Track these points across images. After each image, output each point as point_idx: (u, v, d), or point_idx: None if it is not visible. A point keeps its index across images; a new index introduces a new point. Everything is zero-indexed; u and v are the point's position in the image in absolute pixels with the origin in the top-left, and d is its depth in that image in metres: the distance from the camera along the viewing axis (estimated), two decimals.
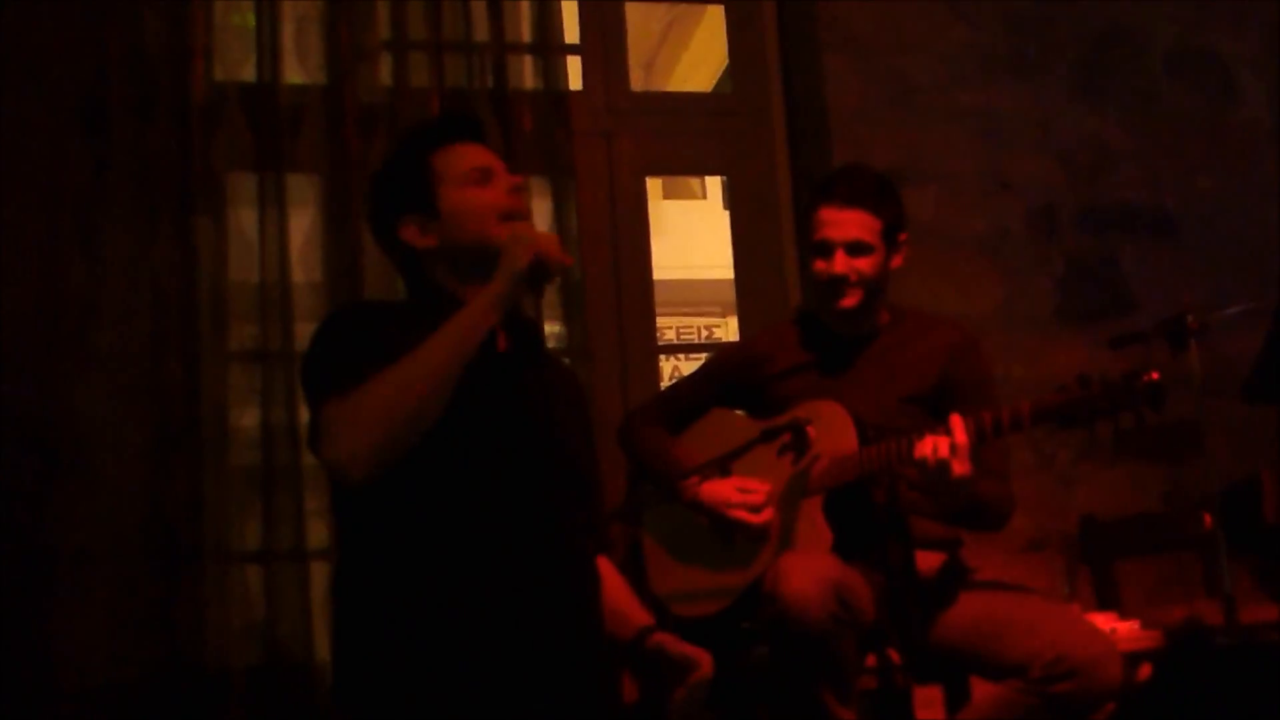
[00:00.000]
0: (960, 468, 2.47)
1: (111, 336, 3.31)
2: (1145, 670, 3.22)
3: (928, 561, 2.72)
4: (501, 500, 2.10)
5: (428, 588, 2.03)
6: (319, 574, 3.31)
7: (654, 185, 6.28)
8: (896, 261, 2.87)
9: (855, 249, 2.79)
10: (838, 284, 2.81)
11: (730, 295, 4.16)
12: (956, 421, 2.50)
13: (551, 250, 2.14)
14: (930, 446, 2.49)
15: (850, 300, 2.82)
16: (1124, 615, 3.54)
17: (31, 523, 3.19)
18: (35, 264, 3.29)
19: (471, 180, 2.23)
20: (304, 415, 3.31)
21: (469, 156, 2.26)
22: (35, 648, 3.15)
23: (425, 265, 2.26)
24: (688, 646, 2.26)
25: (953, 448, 2.47)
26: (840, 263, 2.79)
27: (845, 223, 2.79)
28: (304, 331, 3.36)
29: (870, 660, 2.65)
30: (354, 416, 2.00)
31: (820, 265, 2.82)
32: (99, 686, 3.17)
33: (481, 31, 3.64)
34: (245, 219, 3.46)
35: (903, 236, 2.86)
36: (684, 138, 4.08)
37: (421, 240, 2.23)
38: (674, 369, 8.60)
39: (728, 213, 4.26)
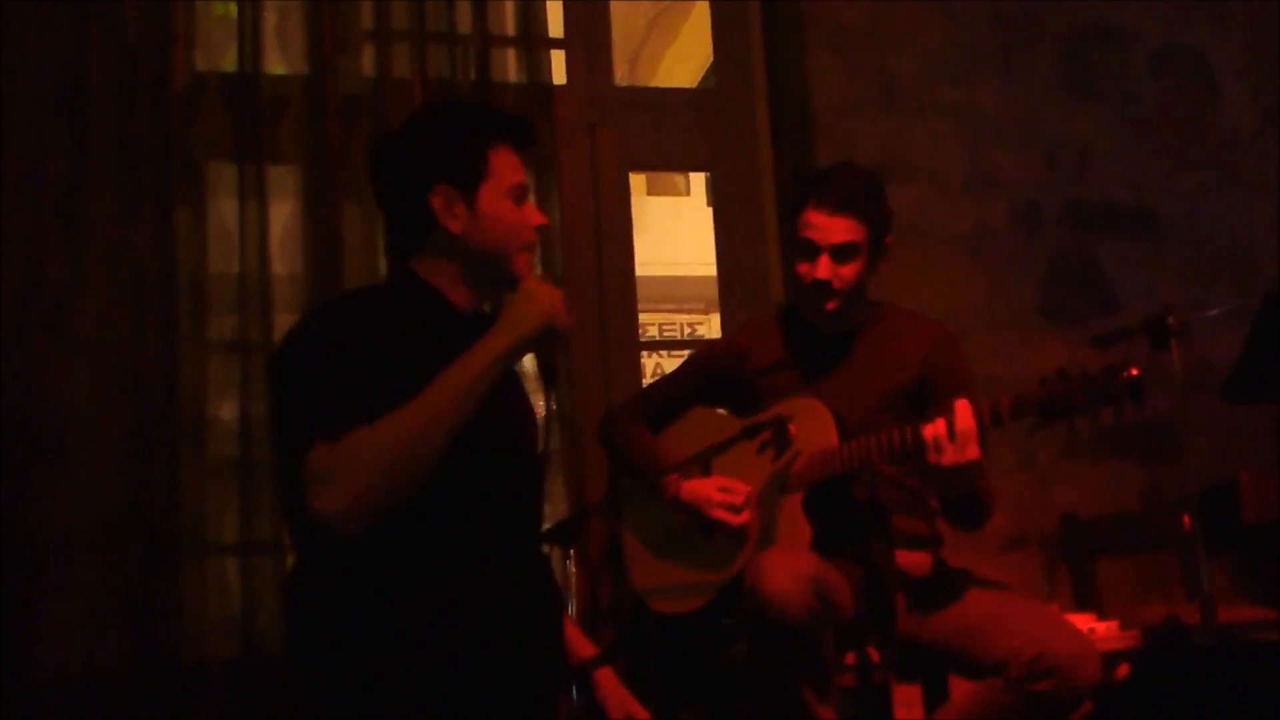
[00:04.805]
0: (973, 452, 2.45)
1: (91, 325, 3.29)
2: (1123, 670, 3.22)
3: (909, 559, 2.73)
4: (472, 508, 2.03)
5: (396, 592, 1.96)
6: None
7: (637, 182, 6.28)
8: (882, 264, 2.86)
9: (840, 254, 2.78)
10: (821, 288, 2.80)
11: (713, 292, 4.15)
12: (963, 405, 2.47)
13: (560, 318, 2.08)
14: (941, 429, 2.46)
15: (833, 304, 2.81)
16: (1103, 614, 3.54)
17: (10, 510, 3.17)
18: (15, 251, 3.27)
19: (513, 195, 2.17)
20: None
21: (518, 169, 2.20)
22: (13, 636, 3.13)
23: (429, 245, 2.15)
24: (629, 702, 2.23)
25: (964, 431, 2.45)
26: (824, 268, 2.78)
27: (832, 228, 2.77)
28: (283, 323, 3.34)
29: (849, 658, 2.65)
30: (350, 469, 1.90)
31: (804, 268, 2.81)
32: (76, 676, 3.16)
33: (465, 23, 3.63)
34: (225, 209, 3.44)
35: (888, 240, 2.85)
36: (668, 133, 4.07)
37: (447, 218, 2.13)
38: (656, 365, 8.59)
39: (711, 209, 4.25)
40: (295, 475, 1.94)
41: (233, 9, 3.51)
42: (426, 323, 2.11)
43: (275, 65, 3.54)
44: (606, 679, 2.25)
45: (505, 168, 2.17)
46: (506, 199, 2.16)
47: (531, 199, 2.22)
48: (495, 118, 2.25)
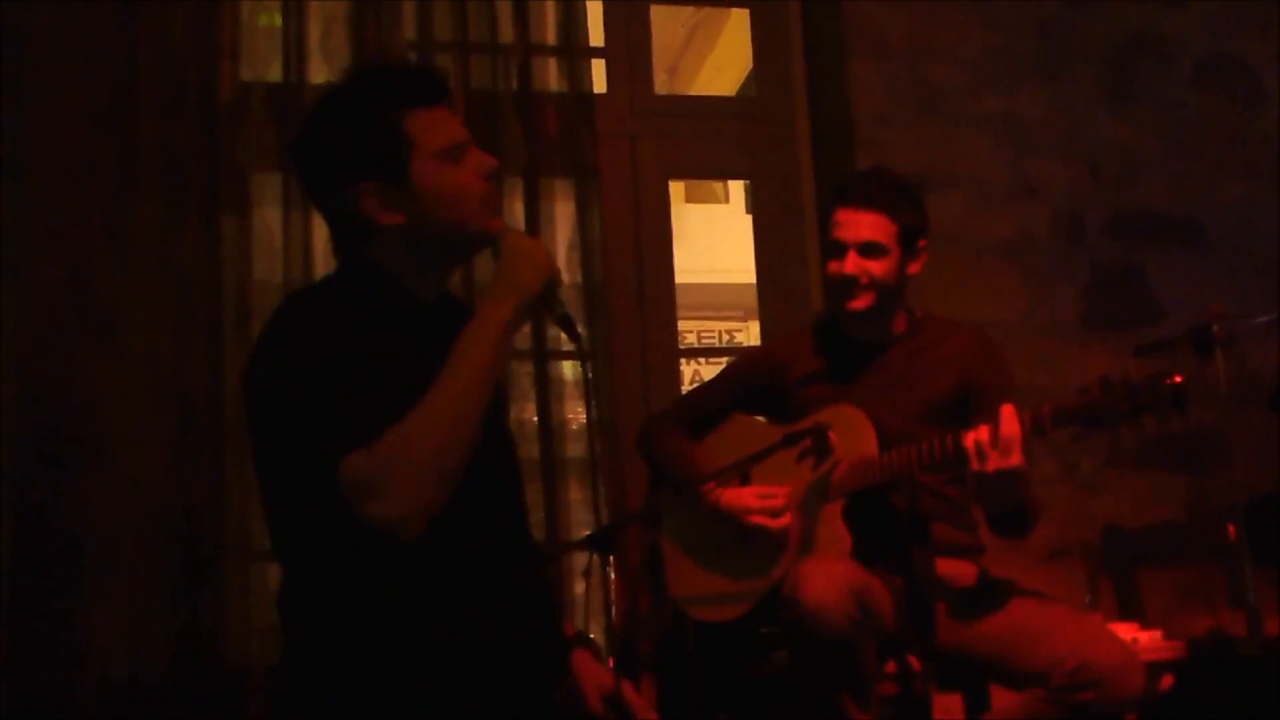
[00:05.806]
0: (1017, 458, 2.42)
1: (136, 333, 3.32)
2: (1167, 681, 3.20)
3: (951, 569, 2.72)
4: (458, 509, 1.90)
5: (388, 601, 1.89)
6: None
7: (676, 189, 6.29)
8: (914, 267, 2.84)
9: (867, 251, 2.78)
10: (848, 285, 2.79)
11: (752, 300, 4.15)
12: (1009, 411, 2.44)
13: (555, 269, 2.00)
14: (984, 435, 2.43)
15: (859, 302, 2.80)
16: (1146, 625, 3.52)
17: (56, 515, 3.20)
18: (62, 258, 3.31)
19: (445, 156, 2.00)
20: None
21: (445, 127, 2.02)
22: (60, 641, 3.16)
23: (376, 242, 2.01)
24: (608, 681, 2.10)
25: (1008, 437, 2.41)
26: (851, 264, 2.78)
27: (858, 224, 2.78)
28: None
29: (890, 667, 2.64)
30: (399, 470, 1.80)
31: (833, 266, 2.82)
32: (121, 681, 3.19)
33: (507, 33, 3.65)
34: (270, 218, 3.47)
35: (922, 243, 2.84)
36: (708, 141, 4.08)
37: (385, 215, 1.98)
38: (695, 373, 8.60)
39: (750, 217, 4.26)
40: (311, 490, 1.85)
41: (277, 20, 3.54)
42: (388, 315, 1.97)
43: (319, 75, 3.57)
44: (582, 661, 2.13)
45: (426, 131, 2.00)
46: (441, 163, 1.99)
47: (473, 149, 2.02)
48: (396, 84, 2.06)
